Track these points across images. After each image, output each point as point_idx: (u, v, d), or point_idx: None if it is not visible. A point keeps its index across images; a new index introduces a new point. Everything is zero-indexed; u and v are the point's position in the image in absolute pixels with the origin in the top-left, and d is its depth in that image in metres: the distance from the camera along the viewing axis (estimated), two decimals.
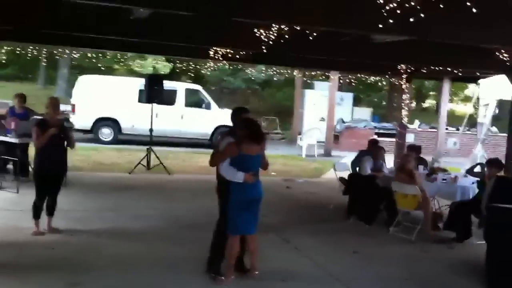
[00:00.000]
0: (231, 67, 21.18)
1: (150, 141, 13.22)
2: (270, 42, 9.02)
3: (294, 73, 17.21)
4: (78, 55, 17.84)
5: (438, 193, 8.88)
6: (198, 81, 22.80)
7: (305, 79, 20.60)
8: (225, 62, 13.38)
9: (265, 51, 9.20)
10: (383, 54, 10.18)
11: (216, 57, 11.71)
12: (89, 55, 16.96)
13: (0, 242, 6.59)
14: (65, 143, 7.20)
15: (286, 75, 17.97)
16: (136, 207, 9.09)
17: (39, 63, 26.17)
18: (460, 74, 12.74)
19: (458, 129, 19.51)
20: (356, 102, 26.50)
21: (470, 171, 8.36)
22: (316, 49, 10.08)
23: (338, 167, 10.12)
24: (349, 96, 23.34)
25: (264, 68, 20.53)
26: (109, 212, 8.60)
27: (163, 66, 21.31)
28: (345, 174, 9.87)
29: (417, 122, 21.01)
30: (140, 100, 16.79)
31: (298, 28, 8.32)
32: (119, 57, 18.87)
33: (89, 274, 5.65)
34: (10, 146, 9.75)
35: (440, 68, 12.07)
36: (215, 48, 11.22)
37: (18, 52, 17.21)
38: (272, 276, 5.94)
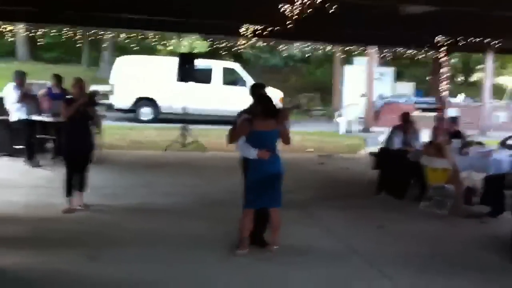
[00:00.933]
0: (268, 45, 21.09)
1: (184, 119, 13.34)
2: (294, 18, 8.89)
3: (327, 49, 16.88)
4: (119, 37, 18.18)
5: (471, 167, 8.60)
6: (236, 59, 22.79)
7: (339, 54, 20.17)
8: (256, 39, 13.33)
9: (289, 27, 9.09)
10: (417, 26, 9.88)
11: (247, 35, 11.67)
12: (123, 35, 17.25)
13: (31, 218, 6.82)
14: (90, 122, 7.36)
15: (320, 51, 17.64)
16: (166, 184, 9.21)
17: (82, 46, 26.77)
18: (500, 45, 12.26)
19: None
20: (399, 77, 25.88)
21: (503, 143, 8.04)
22: (345, 23, 9.91)
23: (370, 142, 9.96)
24: (389, 71, 22.77)
25: (303, 45, 20.31)
26: (139, 188, 8.75)
27: (200, 45, 21.35)
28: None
29: (461, 96, 20.36)
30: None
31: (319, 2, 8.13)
32: (151, 37, 19.00)
33: (109, 248, 5.78)
34: (46, 125, 10.03)
35: (478, 39, 11.62)
36: (246, 25, 11.17)
37: (59, 34, 17.64)
38: (290, 250, 5.90)
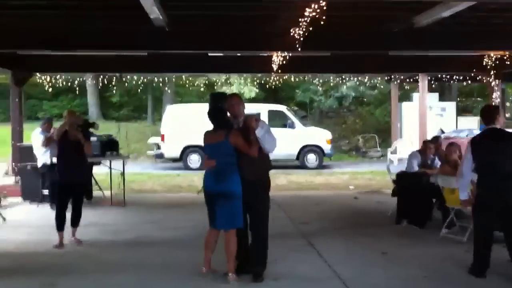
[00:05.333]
0: (321, 87, 20.85)
1: None
2: (302, 38, 8.60)
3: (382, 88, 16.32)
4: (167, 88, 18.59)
5: None
6: (289, 103, 22.67)
7: (394, 92, 19.45)
8: (287, 73, 13.17)
9: (299, 49, 8.81)
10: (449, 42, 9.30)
11: (276, 70, 11.52)
12: (177, 81, 17.65)
13: (19, 253, 6.75)
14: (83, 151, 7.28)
15: (375, 91, 17.07)
16: (175, 219, 8.92)
17: (147, 103, 27.87)
18: None
19: None
20: (466, 111, 24.59)
21: None
22: (364, 44, 9.51)
23: (393, 168, 9.23)
24: (451, 106, 21.66)
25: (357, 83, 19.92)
26: (145, 225, 8.51)
27: (248, 91, 21.35)
28: None
29: None
30: None
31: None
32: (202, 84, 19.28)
33: (69, 276, 5.59)
34: None
35: None
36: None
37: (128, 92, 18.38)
38: (266, 275, 5.44)
